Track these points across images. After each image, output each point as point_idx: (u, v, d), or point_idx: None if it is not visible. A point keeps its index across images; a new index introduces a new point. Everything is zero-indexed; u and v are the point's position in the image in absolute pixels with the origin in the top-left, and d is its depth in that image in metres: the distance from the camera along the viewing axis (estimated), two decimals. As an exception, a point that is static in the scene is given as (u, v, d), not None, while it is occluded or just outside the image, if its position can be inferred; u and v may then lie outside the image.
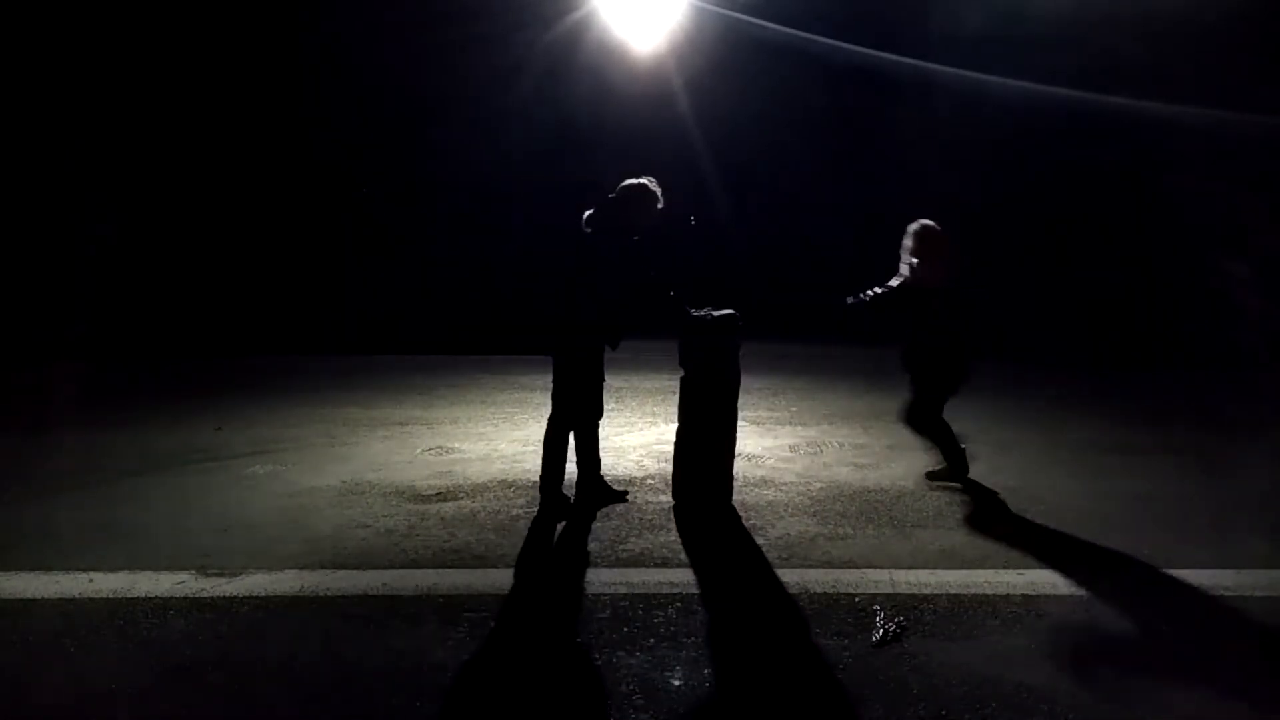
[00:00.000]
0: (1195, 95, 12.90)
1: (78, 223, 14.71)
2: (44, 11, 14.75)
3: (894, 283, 4.67)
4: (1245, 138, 13.21)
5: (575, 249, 4.13)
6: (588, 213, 4.16)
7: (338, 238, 17.09)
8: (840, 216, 17.71)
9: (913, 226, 4.61)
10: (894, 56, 15.67)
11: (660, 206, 4.22)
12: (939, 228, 4.59)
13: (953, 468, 4.76)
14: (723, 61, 16.32)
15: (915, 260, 4.57)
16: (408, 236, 17.33)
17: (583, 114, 17.14)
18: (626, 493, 4.50)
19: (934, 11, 15.81)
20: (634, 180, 4.19)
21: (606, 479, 4.50)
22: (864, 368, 10.77)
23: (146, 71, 15.44)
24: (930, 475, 4.87)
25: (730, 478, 4.37)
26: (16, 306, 13.42)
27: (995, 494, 4.60)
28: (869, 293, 4.68)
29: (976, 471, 5.13)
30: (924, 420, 4.72)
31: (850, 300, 4.73)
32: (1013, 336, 12.67)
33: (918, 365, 4.65)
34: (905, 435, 6.25)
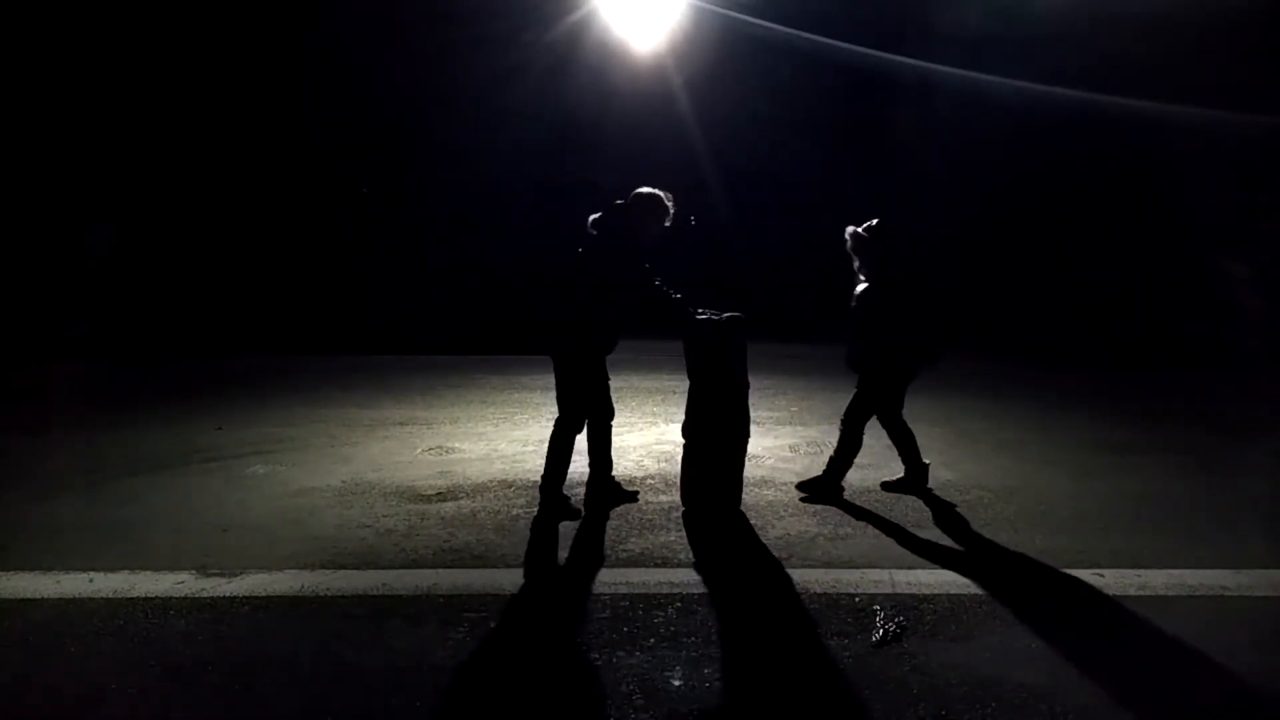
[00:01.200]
0: (1196, 95, 12.91)
1: (78, 223, 14.71)
2: (44, 11, 14.75)
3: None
4: (1245, 138, 13.22)
5: (580, 252, 4.14)
6: (594, 216, 4.16)
7: (338, 238, 17.11)
8: (840, 216, 17.70)
9: (847, 239, 4.59)
10: (894, 56, 15.69)
11: (668, 220, 4.22)
12: (860, 229, 4.54)
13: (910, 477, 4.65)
14: (722, 62, 16.33)
15: (858, 264, 4.58)
16: (408, 236, 17.35)
17: (583, 114, 17.15)
18: (637, 493, 4.50)
19: (934, 11, 15.81)
20: (646, 189, 4.20)
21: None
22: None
23: (147, 72, 15.44)
24: (886, 485, 4.73)
25: (740, 483, 4.30)
26: (16, 306, 13.43)
27: (953, 506, 4.60)
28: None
29: (977, 472, 5.14)
30: (893, 421, 4.61)
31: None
32: (1012, 336, 12.67)
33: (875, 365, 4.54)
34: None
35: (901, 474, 4.71)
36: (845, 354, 4.64)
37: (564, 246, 4.24)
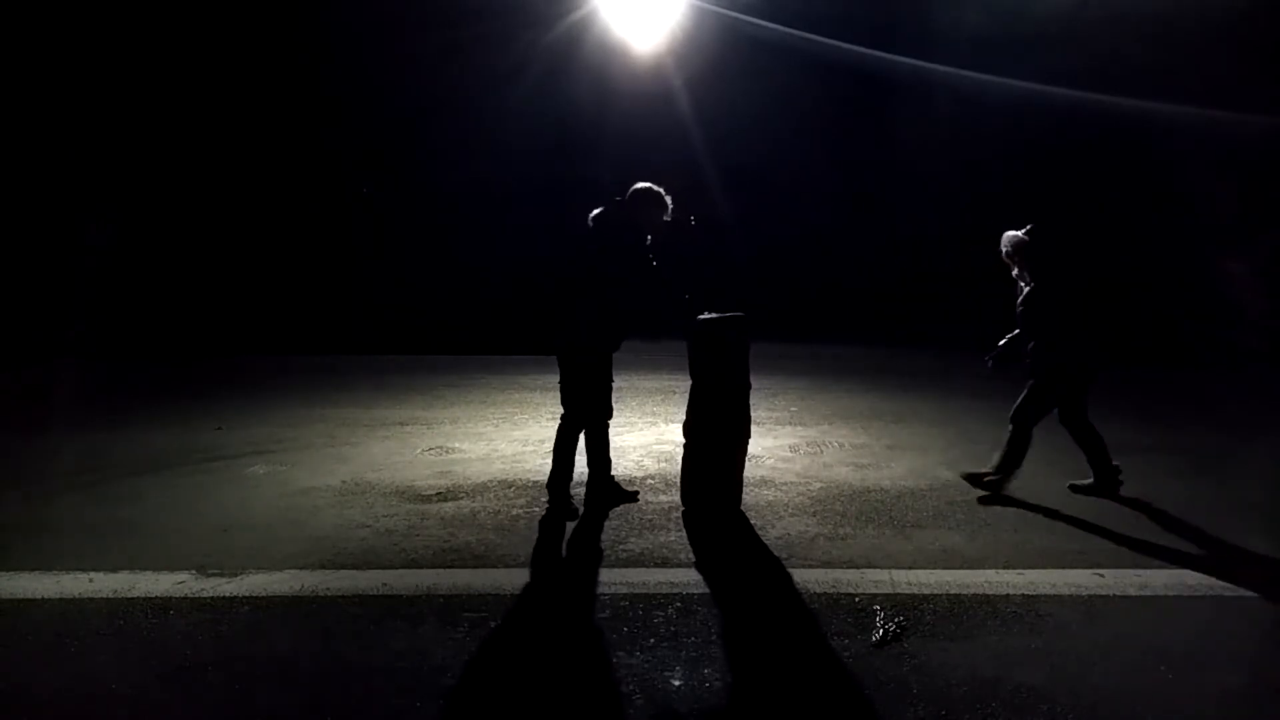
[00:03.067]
0: (1196, 95, 12.92)
1: (78, 222, 14.72)
2: (44, 11, 14.76)
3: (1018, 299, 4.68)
4: (1245, 138, 13.22)
5: (581, 250, 4.14)
6: (595, 212, 4.16)
7: (338, 238, 17.11)
8: (840, 215, 17.74)
9: (1005, 246, 4.67)
10: (894, 57, 15.69)
11: (667, 215, 4.24)
12: (1024, 236, 4.62)
13: (1101, 481, 4.63)
14: (722, 62, 16.34)
15: (1018, 270, 4.64)
16: (408, 237, 17.35)
17: (583, 114, 17.15)
18: (637, 492, 4.50)
19: (934, 11, 15.81)
20: (643, 184, 4.21)
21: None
22: (864, 368, 10.79)
23: (147, 72, 15.45)
24: (971, 478, 4.78)
25: (740, 483, 4.30)
26: (16, 306, 13.43)
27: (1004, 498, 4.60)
28: (999, 345, 4.67)
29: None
30: (1076, 423, 4.64)
31: (989, 361, 4.72)
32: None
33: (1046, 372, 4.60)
34: (905, 435, 6.27)
35: (1091, 479, 4.67)
36: (1022, 357, 4.62)
37: (569, 246, 4.25)
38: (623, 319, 4.14)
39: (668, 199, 4.23)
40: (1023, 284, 4.64)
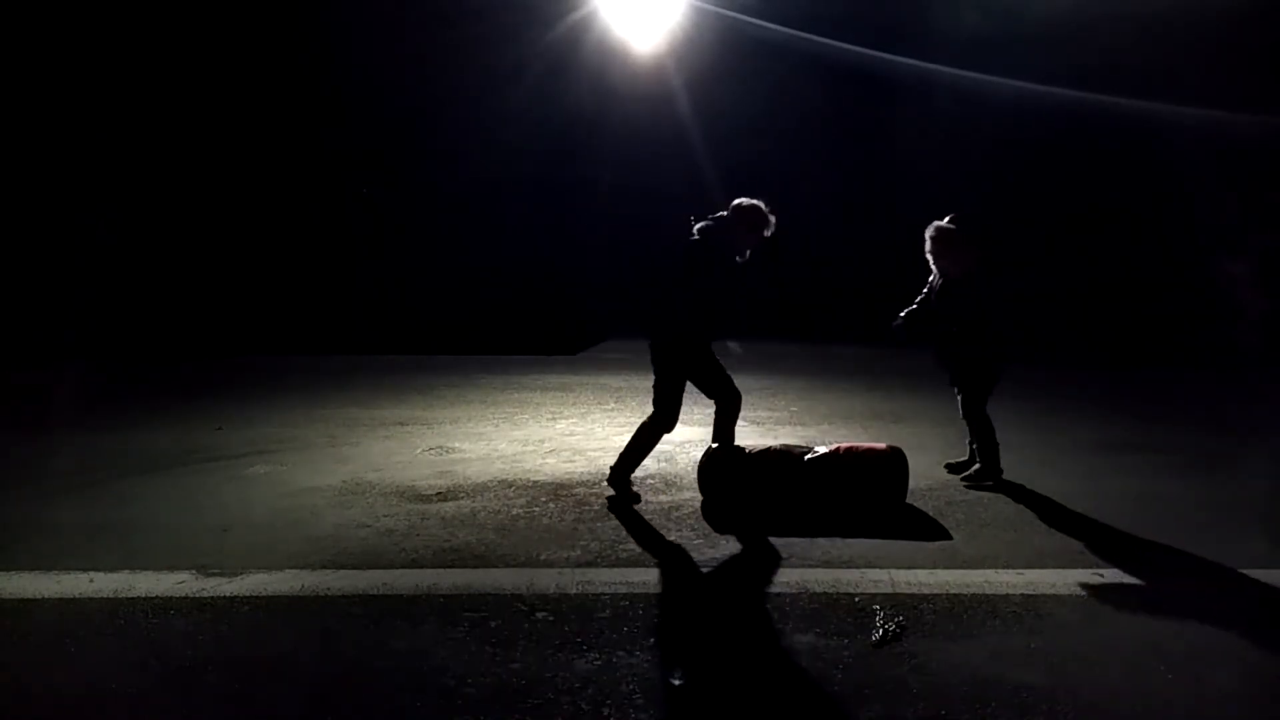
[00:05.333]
0: (1197, 95, 12.92)
1: (79, 223, 14.73)
2: (45, 11, 14.76)
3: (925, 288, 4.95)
4: (1245, 138, 13.22)
5: (677, 250, 4.38)
6: (701, 224, 4.35)
7: (338, 238, 17.12)
8: (839, 215, 17.73)
9: (928, 230, 4.83)
10: (894, 57, 15.70)
11: (768, 231, 4.41)
12: (948, 225, 4.77)
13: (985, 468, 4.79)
14: (722, 62, 16.34)
15: (932, 257, 4.81)
16: (408, 237, 17.36)
17: (583, 114, 17.16)
18: None
19: (934, 12, 15.82)
20: (746, 200, 4.38)
21: (605, 478, 4.51)
22: (864, 368, 10.79)
23: (148, 72, 15.46)
24: (950, 467, 5.01)
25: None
26: (17, 307, 13.43)
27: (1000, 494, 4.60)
28: (903, 314, 4.94)
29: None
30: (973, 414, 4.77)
31: (895, 325, 4.97)
32: (1011, 336, 12.66)
33: (954, 365, 4.80)
34: (905, 435, 6.26)
35: (965, 459, 4.97)
36: (935, 351, 4.85)
37: (670, 252, 4.50)
38: (715, 313, 4.34)
39: (770, 217, 4.37)
40: (937, 274, 4.82)
